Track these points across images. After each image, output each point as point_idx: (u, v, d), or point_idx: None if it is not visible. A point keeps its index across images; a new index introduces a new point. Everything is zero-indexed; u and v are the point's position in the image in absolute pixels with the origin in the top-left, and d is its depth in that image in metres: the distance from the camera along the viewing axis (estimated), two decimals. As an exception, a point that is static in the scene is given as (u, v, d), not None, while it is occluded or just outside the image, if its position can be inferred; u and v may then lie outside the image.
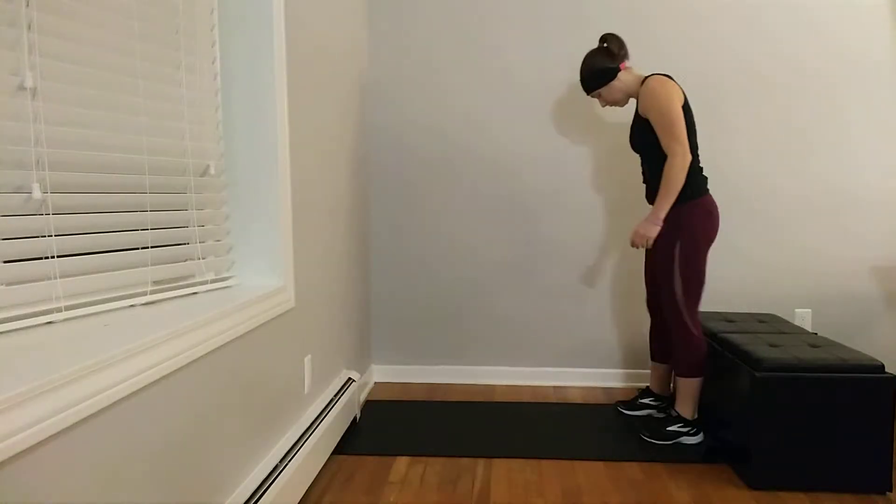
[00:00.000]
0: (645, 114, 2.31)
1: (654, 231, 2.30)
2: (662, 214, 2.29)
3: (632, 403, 2.72)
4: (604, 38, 2.42)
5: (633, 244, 2.37)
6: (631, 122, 2.52)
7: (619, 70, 2.38)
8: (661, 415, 2.65)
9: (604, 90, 2.42)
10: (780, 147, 2.94)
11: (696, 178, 2.31)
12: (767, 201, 2.96)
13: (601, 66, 2.38)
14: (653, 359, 2.68)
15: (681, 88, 2.30)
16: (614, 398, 2.91)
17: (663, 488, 2.08)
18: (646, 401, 2.70)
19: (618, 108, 2.81)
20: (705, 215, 2.31)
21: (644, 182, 2.50)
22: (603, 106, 2.51)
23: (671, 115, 2.23)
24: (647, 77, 2.34)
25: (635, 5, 2.91)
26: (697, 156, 2.35)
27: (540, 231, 3.05)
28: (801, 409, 2.03)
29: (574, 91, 2.97)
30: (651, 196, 2.45)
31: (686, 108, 2.30)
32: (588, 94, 2.48)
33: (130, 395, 1.14)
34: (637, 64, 2.94)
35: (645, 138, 2.35)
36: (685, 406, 2.38)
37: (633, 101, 2.66)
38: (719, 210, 2.35)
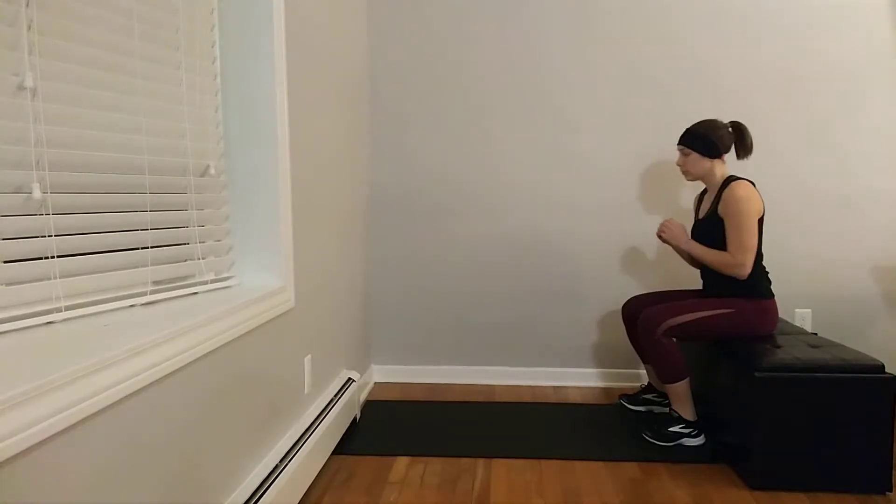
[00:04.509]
0: (723, 215, 2.31)
1: (678, 241, 2.41)
2: (692, 250, 2.38)
3: (635, 398, 2.74)
4: (737, 126, 2.42)
5: (662, 231, 2.44)
6: (698, 215, 2.53)
7: (719, 155, 2.40)
8: (663, 409, 2.66)
9: (695, 156, 2.42)
10: (779, 148, 2.94)
11: (762, 282, 2.33)
12: (767, 202, 2.96)
13: (714, 140, 2.38)
14: (644, 361, 2.72)
15: (761, 198, 2.31)
16: (614, 398, 2.91)
17: (663, 488, 2.08)
18: (649, 396, 2.72)
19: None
20: (762, 318, 2.30)
21: (701, 275, 2.51)
22: (677, 163, 2.50)
23: (748, 226, 2.25)
24: (732, 178, 2.34)
25: (633, 8, 2.91)
26: (762, 259, 2.36)
27: (540, 231, 3.05)
28: (801, 409, 2.03)
29: (575, 96, 2.97)
30: (707, 285, 2.48)
31: (761, 220, 2.31)
32: (679, 145, 2.47)
33: (130, 395, 1.14)
34: (637, 63, 2.95)
35: (714, 237, 2.35)
36: (682, 408, 2.39)
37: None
38: (777, 311, 2.37)
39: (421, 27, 2.99)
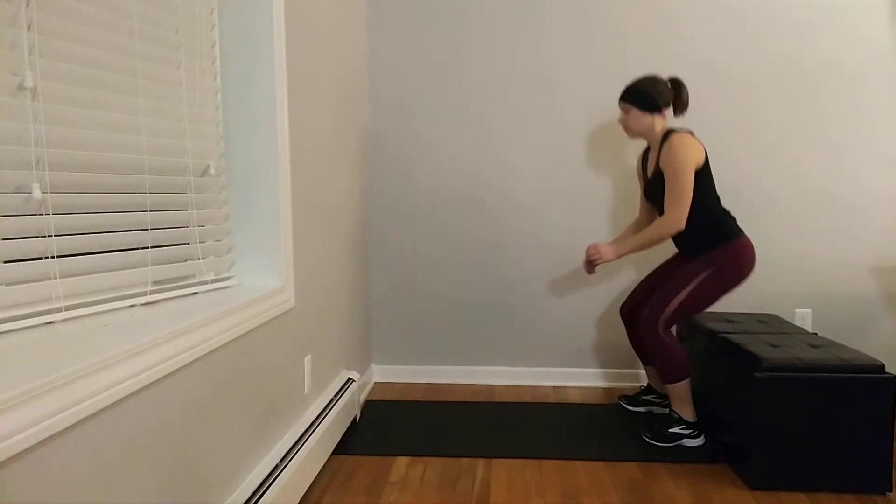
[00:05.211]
0: (662, 168, 2.34)
1: (609, 256, 2.39)
2: (626, 251, 2.38)
3: (634, 399, 2.74)
4: (675, 82, 2.44)
5: (588, 257, 2.43)
6: (646, 175, 2.54)
7: (659, 109, 2.41)
8: (663, 410, 2.66)
9: (635, 112, 2.43)
10: (779, 147, 2.94)
11: (724, 221, 2.37)
12: (767, 201, 2.96)
13: (653, 93, 2.40)
14: (644, 362, 2.72)
15: (702, 145, 2.33)
16: (614, 398, 2.91)
17: (663, 488, 2.08)
18: (648, 397, 2.72)
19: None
20: (739, 258, 2.33)
21: (675, 245, 2.52)
22: (619, 121, 2.52)
23: (684, 177, 2.28)
24: (670, 132, 2.35)
25: (633, 7, 2.91)
26: (719, 201, 2.40)
27: (539, 231, 3.05)
28: (801, 409, 2.03)
29: (576, 98, 2.97)
30: (679, 244, 2.50)
31: (706, 164, 2.34)
32: (620, 102, 2.47)
33: (130, 395, 1.14)
34: (638, 62, 2.95)
35: (664, 191, 2.37)
36: (682, 409, 2.39)
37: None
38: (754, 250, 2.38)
39: (420, 25, 2.99)
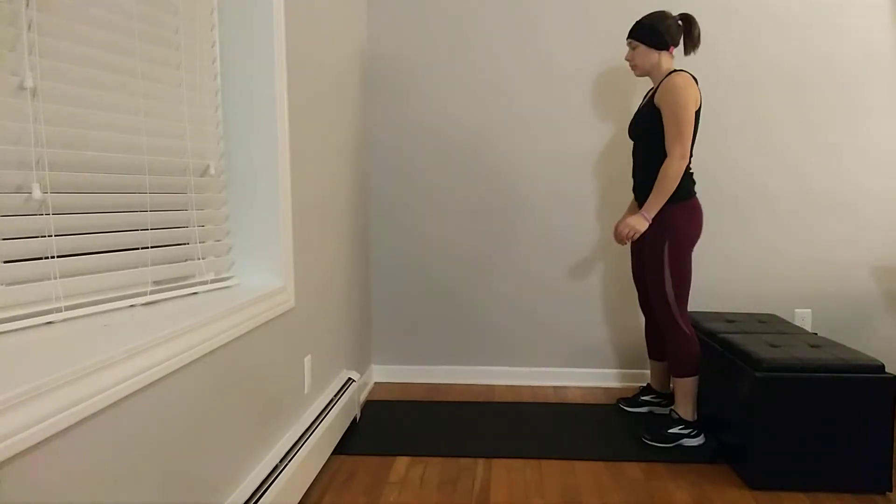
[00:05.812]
0: (659, 105, 2.32)
1: (643, 226, 2.34)
2: (653, 211, 2.33)
3: (633, 400, 2.74)
4: (686, 17, 2.41)
5: (619, 234, 2.37)
6: (636, 110, 2.53)
7: (666, 47, 2.38)
8: (663, 410, 2.66)
9: (643, 49, 2.40)
10: (779, 147, 2.94)
11: (686, 181, 2.35)
12: (767, 202, 2.96)
13: (662, 30, 2.36)
14: (651, 357, 2.70)
15: (699, 92, 2.32)
16: (614, 398, 2.91)
17: (663, 488, 2.08)
18: (647, 398, 2.72)
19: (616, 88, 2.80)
20: (689, 217, 2.35)
21: (633, 174, 2.50)
22: (626, 58, 2.48)
23: (684, 116, 2.25)
24: (674, 70, 2.33)
25: (633, 8, 2.91)
26: (691, 158, 2.37)
27: (539, 231, 3.05)
28: (801, 409, 2.03)
29: (574, 87, 2.97)
30: (638, 188, 2.47)
31: (698, 112, 2.32)
32: (628, 38, 2.44)
33: (130, 395, 1.14)
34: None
35: (649, 127, 2.36)
36: (684, 407, 2.38)
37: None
38: (703, 211, 2.38)
39: (421, 23, 2.98)
